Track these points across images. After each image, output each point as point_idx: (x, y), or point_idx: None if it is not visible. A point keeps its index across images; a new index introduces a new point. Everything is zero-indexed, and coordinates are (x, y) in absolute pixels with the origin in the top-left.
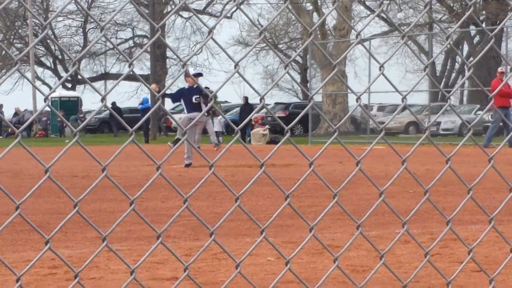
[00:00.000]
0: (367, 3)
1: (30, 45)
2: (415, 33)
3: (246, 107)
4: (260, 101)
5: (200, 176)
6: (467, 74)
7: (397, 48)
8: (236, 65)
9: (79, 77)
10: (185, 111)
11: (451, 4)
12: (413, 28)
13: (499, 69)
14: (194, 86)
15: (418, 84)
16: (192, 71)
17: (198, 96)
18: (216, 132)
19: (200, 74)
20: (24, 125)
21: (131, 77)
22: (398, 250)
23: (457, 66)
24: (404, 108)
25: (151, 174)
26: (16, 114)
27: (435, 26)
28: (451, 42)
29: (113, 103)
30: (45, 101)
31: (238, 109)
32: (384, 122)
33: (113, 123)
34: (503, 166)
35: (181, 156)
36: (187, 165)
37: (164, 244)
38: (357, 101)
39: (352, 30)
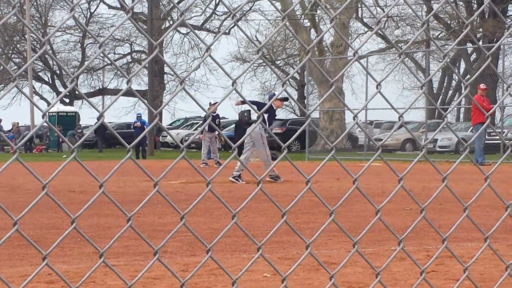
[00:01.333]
0: (364, 20)
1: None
2: (412, 50)
3: (242, 123)
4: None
5: (196, 192)
6: (464, 92)
7: (394, 66)
8: (234, 82)
9: (77, 92)
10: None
11: (448, 22)
12: (410, 45)
13: (481, 86)
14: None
15: (415, 101)
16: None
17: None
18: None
19: (286, 99)
20: (22, 141)
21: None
22: (394, 267)
23: (453, 83)
24: (401, 126)
25: (148, 190)
26: (12, 128)
27: (432, 43)
28: (448, 61)
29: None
30: (43, 117)
31: (234, 125)
32: (381, 139)
33: (98, 139)
34: (499, 184)
35: (177, 172)
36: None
37: (161, 260)
38: (354, 119)
39: (350, 48)
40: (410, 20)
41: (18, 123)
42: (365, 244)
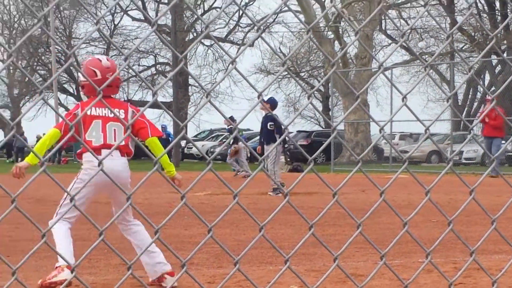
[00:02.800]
0: (388, 32)
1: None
2: (437, 62)
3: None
4: (284, 131)
5: (222, 203)
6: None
7: (419, 78)
8: (260, 95)
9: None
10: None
11: (472, 34)
12: (435, 58)
13: (488, 97)
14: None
15: (441, 113)
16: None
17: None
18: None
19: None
20: (49, 154)
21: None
22: (422, 279)
23: (478, 95)
24: (427, 138)
25: (174, 201)
26: (38, 140)
27: (456, 55)
28: (473, 73)
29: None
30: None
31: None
32: (407, 151)
33: None
34: None
35: (202, 184)
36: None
37: (188, 273)
38: (380, 132)
39: (374, 60)
40: (434, 32)
41: (44, 135)
42: (392, 256)
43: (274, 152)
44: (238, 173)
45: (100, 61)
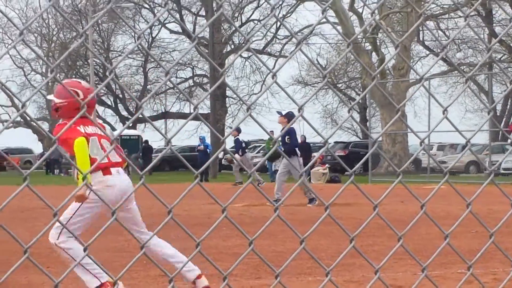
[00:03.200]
0: (426, 43)
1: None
2: (476, 73)
3: (304, 146)
4: (324, 144)
5: (261, 215)
6: None
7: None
8: (300, 108)
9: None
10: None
11: (511, 44)
12: (472, 68)
13: None
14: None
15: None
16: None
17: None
18: (275, 170)
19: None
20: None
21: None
22: None
23: None
24: (467, 149)
25: (213, 213)
26: None
27: (494, 66)
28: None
29: (146, 141)
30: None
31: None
32: (445, 162)
33: (142, 161)
34: None
35: (240, 195)
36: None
37: (229, 285)
38: (421, 144)
39: (412, 70)
40: (472, 43)
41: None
42: (431, 267)
43: (295, 164)
44: (260, 185)
45: (80, 82)
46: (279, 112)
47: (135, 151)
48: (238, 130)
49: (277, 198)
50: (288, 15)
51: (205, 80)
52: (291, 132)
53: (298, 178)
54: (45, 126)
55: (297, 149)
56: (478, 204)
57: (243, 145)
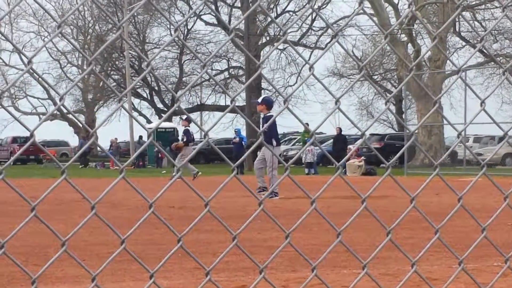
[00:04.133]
0: (462, 34)
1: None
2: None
3: (340, 138)
4: (361, 136)
5: (295, 207)
6: None
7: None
8: (337, 101)
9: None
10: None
11: None
12: (509, 59)
13: None
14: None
15: None
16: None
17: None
18: (308, 162)
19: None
20: (129, 161)
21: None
22: (497, 284)
23: None
24: (505, 141)
25: (247, 206)
26: (111, 145)
27: None
28: None
29: (140, 137)
30: (148, 137)
31: (331, 140)
32: (481, 154)
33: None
34: None
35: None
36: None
37: (266, 279)
38: (458, 137)
39: (448, 61)
40: (508, 34)
41: (116, 139)
42: (466, 260)
43: (270, 154)
44: (196, 176)
45: None
46: (255, 101)
47: (171, 144)
48: (189, 121)
49: (260, 186)
50: (324, 6)
51: (241, 72)
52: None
53: (269, 168)
54: (81, 118)
55: (274, 138)
56: None
57: (192, 137)
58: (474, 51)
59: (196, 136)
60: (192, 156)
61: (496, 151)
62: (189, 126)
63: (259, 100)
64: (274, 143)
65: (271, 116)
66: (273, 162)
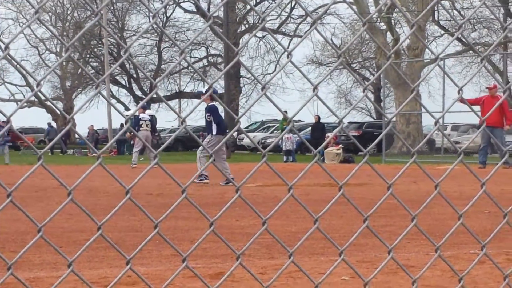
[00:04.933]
0: (441, 22)
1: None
2: (491, 53)
3: (318, 126)
4: (339, 123)
5: (273, 195)
6: None
7: (473, 69)
8: (315, 88)
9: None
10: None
11: None
12: (487, 48)
13: (489, 86)
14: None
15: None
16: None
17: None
18: (287, 150)
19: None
20: (104, 148)
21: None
22: (474, 271)
23: None
24: (481, 130)
25: (225, 193)
26: (89, 133)
27: (509, 45)
28: None
29: (121, 125)
30: (126, 123)
31: (310, 128)
32: (459, 142)
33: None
34: None
35: (254, 175)
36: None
37: (243, 265)
38: (435, 124)
39: (426, 50)
40: (487, 22)
41: (92, 126)
42: (443, 247)
43: (212, 142)
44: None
45: None
46: (199, 91)
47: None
48: (144, 108)
49: (203, 174)
50: None
51: (219, 60)
52: (212, 110)
53: (201, 153)
54: (59, 105)
55: (214, 127)
56: (491, 184)
57: (144, 124)
58: (452, 38)
59: (175, 124)
60: (169, 143)
61: (473, 139)
62: (143, 113)
63: (203, 90)
64: (214, 131)
65: (213, 105)
66: (211, 149)
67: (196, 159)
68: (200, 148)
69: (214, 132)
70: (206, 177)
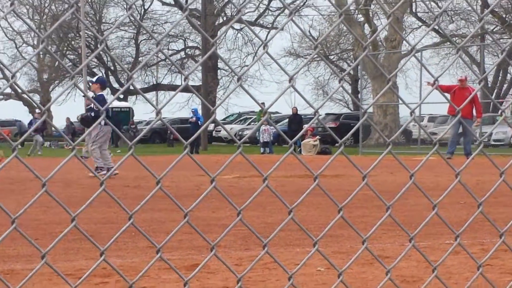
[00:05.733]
0: (418, 14)
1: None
2: (467, 44)
3: (296, 118)
4: (315, 114)
5: (250, 186)
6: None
7: (451, 61)
8: (291, 79)
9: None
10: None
11: (504, 15)
12: (464, 39)
13: (460, 77)
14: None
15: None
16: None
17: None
18: (265, 142)
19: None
20: (79, 140)
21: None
22: (448, 261)
23: (509, 77)
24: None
25: (201, 185)
26: (67, 125)
27: (487, 37)
28: (504, 55)
29: (16, 119)
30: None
31: (287, 120)
32: (435, 133)
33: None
34: None
35: (230, 166)
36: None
37: (217, 256)
38: (411, 114)
39: (404, 42)
40: (464, 14)
41: (69, 118)
42: (419, 238)
43: (95, 132)
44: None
45: None
46: (91, 81)
47: (126, 124)
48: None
49: (97, 166)
50: None
51: (197, 52)
52: (100, 100)
53: (88, 144)
54: (36, 98)
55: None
56: (467, 175)
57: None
58: (429, 29)
59: (152, 116)
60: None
61: (447, 129)
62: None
63: (94, 79)
64: (103, 122)
65: (102, 95)
66: (96, 139)
67: (88, 151)
68: (91, 140)
69: (103, 123)
70: (103, 169)
